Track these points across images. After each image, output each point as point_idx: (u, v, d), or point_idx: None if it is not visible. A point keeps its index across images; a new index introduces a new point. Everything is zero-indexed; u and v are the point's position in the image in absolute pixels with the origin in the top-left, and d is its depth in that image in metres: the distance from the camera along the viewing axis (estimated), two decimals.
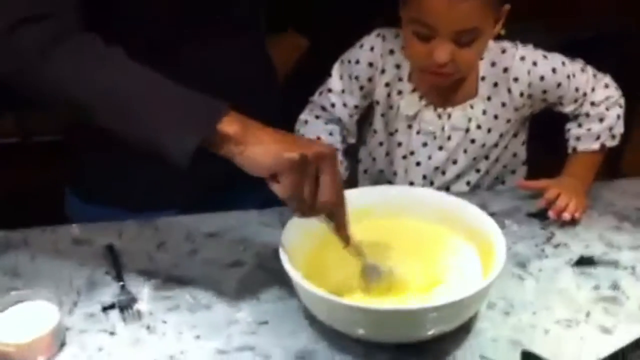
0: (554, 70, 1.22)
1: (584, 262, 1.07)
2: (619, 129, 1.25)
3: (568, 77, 1.22)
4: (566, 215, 1.14)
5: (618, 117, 1.24)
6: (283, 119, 1.13)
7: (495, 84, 1.23)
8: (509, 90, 1.23)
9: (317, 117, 1.28)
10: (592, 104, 1.23)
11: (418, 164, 1.27)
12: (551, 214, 1.15)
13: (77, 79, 0.91)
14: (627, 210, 1.21)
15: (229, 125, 0.89)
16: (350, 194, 0.96)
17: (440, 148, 1.26)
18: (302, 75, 1.51)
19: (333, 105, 1.28)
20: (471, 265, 0.98)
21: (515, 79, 1.22)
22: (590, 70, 1.25)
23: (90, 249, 1.10)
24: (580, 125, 1.25)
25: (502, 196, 1.23)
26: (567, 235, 1.14)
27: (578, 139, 1.25)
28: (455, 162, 1.26)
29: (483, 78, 1.23)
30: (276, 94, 1.30)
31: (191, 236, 1.13)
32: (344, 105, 1.27)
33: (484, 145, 1.25)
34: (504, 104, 1.24)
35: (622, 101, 1.25)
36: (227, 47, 1.15)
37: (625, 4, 2.40)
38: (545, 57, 1.23)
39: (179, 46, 1.10)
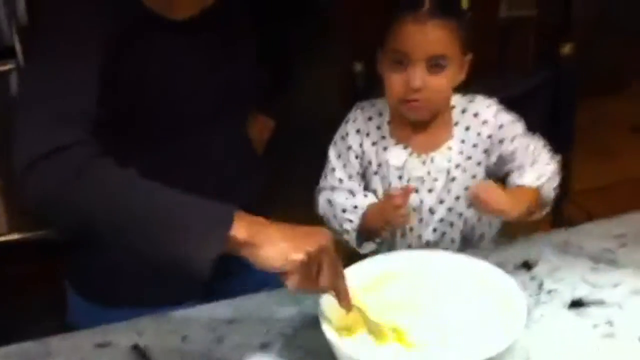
0: (511, 122, 1.39)
1: (576, 304, 1.19)
2: (551, 192, 1.39)
3: (522, 134, 1.39)
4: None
5: (555, 177, 1.39)
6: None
7: (467, 128, 1.39)
8: (479, 133, 1.38)
9: (333, 190, 1.42)
10: (534, 163, 1.38)
11: (413, 209, 1.38)
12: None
13: (98, 206, 0.96)
14: (597, 252, 1.34)
15: (239, 230, 0.97)
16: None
17: (430, 190, 1.39)
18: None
19: (341, 180, 1.41)
20: (491, 321, 1.07)
21: (484, 122, 1.38)
22: (538, 138, 1.42)
23: (116, 351, 1.12)
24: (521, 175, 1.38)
25: (488, 252, 1.33)
26: (555, 281, 1.25)
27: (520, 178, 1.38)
28: (442, 201, 1.39)
29: (456, 123, 1.39)
30: (260, 171, 1.40)
31: (211, 325, 1.17)
32: (350, 177, 1.42)
33: (465, 187, 1.38)
34: (475, 145, 1.39)
35: (557, 178, 1.40)
36: (223, 135, 1.26)
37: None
38: (505, 110, 1.40)
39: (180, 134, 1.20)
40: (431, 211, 1.39)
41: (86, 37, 1.05)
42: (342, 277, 1.03)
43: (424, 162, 1.39)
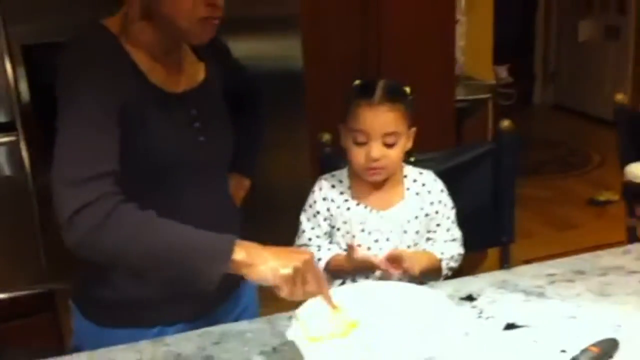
0: (446, 204, 1.71)
1: (509, 327, 1.41)
2: (446, 270, 1.68)
3: (450, 218, 1.72)
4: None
5: (455, 260, 1.70)
6: None
7: (417, 193, 1.68)
8: (423, 199, 1.68)
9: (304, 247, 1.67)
10: (446, 242, 1.70)
11: (375, 256, 1.61)
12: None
13: (125, 245, 1.21)
14: (530, 287, 1.57)
15: (239, 253, 1.20)
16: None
17: (387, 239, 1.65)
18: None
19: (310, 239, 1.69)
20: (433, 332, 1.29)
21: (429, 192, 1.68)
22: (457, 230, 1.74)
23: None
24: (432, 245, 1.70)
25: (436, 287, 1.56)
26: (493, 310, 1.48)
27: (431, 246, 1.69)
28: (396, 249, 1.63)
29: (408, 189, 1.68)
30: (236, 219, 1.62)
31: (201, 346, 1.38)
32: (317, 236, 1.69)
33: (413, 240, 1.66)
34: (421, 208, 1.67)
35: (455, 264, 1.70)
36: (208, 186, 1.51)
37: None
38: (446, 191, 1.72)
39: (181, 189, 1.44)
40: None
41: (104, 108, 1.27)
42: (324, 284, 1.27)
43: (382, 217, 1.65)
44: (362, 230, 1.66)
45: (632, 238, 2.65)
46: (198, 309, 1.46)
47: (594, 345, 1.30)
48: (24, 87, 2.24)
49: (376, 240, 1.65)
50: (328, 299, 1.27)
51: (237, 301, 1.57)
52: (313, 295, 1.25)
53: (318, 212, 1.68)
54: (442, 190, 1.71)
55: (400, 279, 1.59)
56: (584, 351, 1.28)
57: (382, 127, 1.58)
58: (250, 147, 1.81)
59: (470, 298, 1.53)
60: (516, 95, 4.36)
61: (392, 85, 1.62)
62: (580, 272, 1.63)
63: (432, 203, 1.68)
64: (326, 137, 1.89)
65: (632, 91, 5.91)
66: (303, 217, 1.71)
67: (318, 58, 2.62)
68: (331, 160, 1.85)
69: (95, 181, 1.21)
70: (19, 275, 2.41)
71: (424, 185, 1.69)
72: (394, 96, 1.60)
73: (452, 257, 1.69)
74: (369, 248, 1.64)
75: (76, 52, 1.31)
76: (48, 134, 2.16)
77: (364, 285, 1.47)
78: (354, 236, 1.66)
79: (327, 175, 1.74)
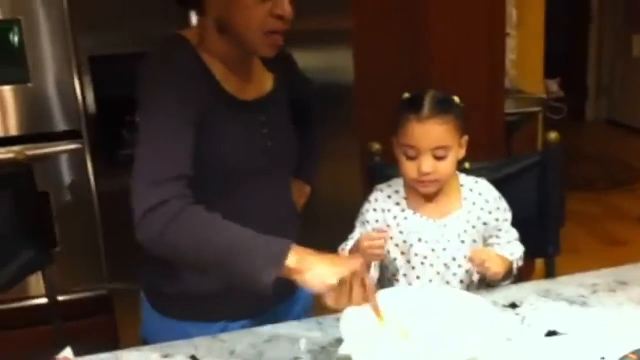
0: (504, 209, 1.73)
1: (551, 334, 1.46)
2: (516, 269, 1.71)
3: (508, 221, 1.74)
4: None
5: (521, 259, 1.72)
6: None
7: (474, 203, 1.70)
8: (482, 209, 1.70)
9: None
10: (509, 243, 1.74)
11: (432, 265, 1.67)
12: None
13: (191, 243, 1.30)
14: (572, 297, 1.61)
15: (291, 259, 1.27)
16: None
17: (444, 249, 1.67)
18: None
19: (352, 238, 1.70)
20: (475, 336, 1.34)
21: (487, 201, 1.70)
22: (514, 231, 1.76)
23: None
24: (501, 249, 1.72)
25: (480, 295, 1.60)
26: (535, 317, 1.52)
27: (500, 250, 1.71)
28: (454, 259, 1.67)
29: (465, 198, 1.70)
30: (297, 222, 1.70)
31: (254, 343, 1.45)
32: None
33: (470, 249, 1.67)
34: (478, 218, 1.69)
35: (521, 262, 1.73)
36: (273, 189, 1.59)
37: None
38: (502, 197, 1.74)
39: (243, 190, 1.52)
40: (446, 266, 1.68)
41: (182, 116, 1.36)
42: (373, 295, 1.31)
43: (439, 227, 1.68)
44: (419, 240, 1.68)
45: None
46: (258, 308, 1.54)
47: (633, 352, 1.33)
48: (90, 97, 2.37)
49: (433, 250, 1.67)
50: (375, 309, 1.31)
51: (295, 304, 1.64)
52: (358, 305, 1.28)
53: (367, 222, 1.72)
54: (499, 198, 1.73)
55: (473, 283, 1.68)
56: (623, 358, 1.32)
57: (431, 142, 1.60)
58: (311, 155, 1.88)
59: (513, 305, 1.57)
60: (567, 110, 4.36)
61: (441, 97, 1.63)
62: (623, 283, 1.66)
63: (490, 212, 1.70)
64: (376, 147, 1.95)
65: None
66: (357, 220, 1.76)
67: (369, 71, 2.69)
68: (381, 170, 1.91)
69: (171, 182, 1.30)
70: (81, 278, 2.54)
71: (480, 194, 1.72)
72: (442, 108, 1.61)
73: (519, 257, 1.71)
74: (425, 257, 1.67)
75: (160, 62, 1.41)
76: (111, 143, 2.29)
77: (409, 290, 1.52)
78: (411, 245, 1.68)
79: (383, 185, 1.77)
